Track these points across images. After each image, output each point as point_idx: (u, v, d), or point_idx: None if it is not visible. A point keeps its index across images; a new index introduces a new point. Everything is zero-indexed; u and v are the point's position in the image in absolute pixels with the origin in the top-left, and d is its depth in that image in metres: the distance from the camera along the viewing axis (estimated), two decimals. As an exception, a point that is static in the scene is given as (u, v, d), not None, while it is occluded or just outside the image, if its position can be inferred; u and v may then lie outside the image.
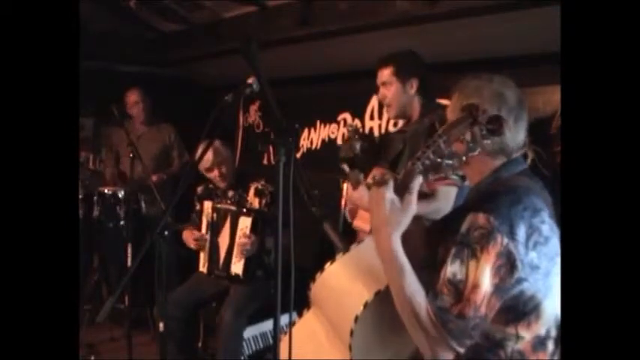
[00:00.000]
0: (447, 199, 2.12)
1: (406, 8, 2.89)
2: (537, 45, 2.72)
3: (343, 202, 2.48)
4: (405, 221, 1.38)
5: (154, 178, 3.92)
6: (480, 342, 1.37)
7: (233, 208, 3.03)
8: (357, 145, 2.45)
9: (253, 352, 3.07)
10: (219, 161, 3.13)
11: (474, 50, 3.06)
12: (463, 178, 2.07)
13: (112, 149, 4.29)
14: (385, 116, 3.64)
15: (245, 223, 2.93)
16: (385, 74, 2.44)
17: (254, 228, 2.91)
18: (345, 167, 2.38)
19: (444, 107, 2.61)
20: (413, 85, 2.41)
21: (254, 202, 3.14)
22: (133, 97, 4.24)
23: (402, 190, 1.38)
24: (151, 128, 4.30)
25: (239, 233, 2.94)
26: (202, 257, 3.18)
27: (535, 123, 2.76)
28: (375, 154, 2.59)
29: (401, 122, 2.69)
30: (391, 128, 3.56)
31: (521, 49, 2.89)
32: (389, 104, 2.47)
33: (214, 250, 3.10)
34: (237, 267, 2.94)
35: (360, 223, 2.39)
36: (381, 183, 1.39)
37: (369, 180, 2.30)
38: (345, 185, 2.37)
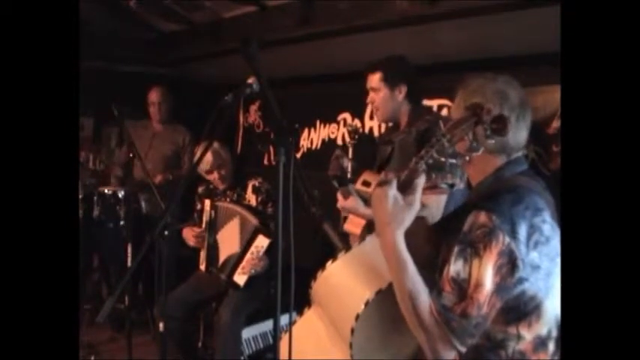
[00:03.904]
0: (437, 207, 2.14)
1: (406, 8, 2.89)
2: (537, 45, 2.72)
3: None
4: (409, 218, 1.38)
5: (159, 177, 3.91)
6: (481, 342, 1.37)
7: (254, 222, 2.94)
8: (345, 162, 2.50)
9: (253, 352, 3.07)
10: (219, 164, 3.14)
11: (474, 50, 3.06)
12: (452, 185, 2.10)
13: (125, 148, 4.22)
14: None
15: (262, 242, 2.90)
16: (374, 80, 2.47)
17: (268, 249, 2.89)
18: (335, 183, 2.42)
19: (434, 114, 2.64)
20: (401, 91, 2.43)
21: (251, 199, 3.16)
22: (154, 95, 4.22)
23: (405, 189, 1.38)
24: (167, 128, 4.28)
25: (252, 249, 2.92)
26: (202, 255, 3.18)
27: (535, 123, 2.77)
28: (368, 156, 2.62)
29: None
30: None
31: (521, 49, 2.89)
32: (377, 108, 2.51)
33: (213, 248, 3.11)
34: (240, 278, 2.94)
35: (351, 227, 2.41)
36: (384, 182, 1.39)
37: (358, 186, 2.33)
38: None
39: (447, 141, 1.32)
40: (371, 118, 3.85)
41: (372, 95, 2.50)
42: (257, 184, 3.18)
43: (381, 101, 2.46)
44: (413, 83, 2.45)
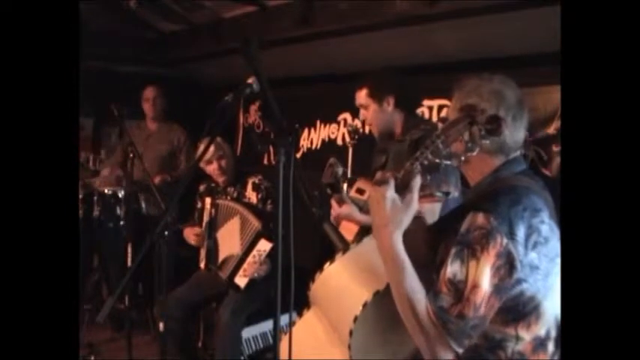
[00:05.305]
0: (432, 216, 2.15)
1: (406, 8, 2.89)
2: (537, 45, 2.72)
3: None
4: (407, 219, 1.38)
5: (157, 179, 3.90)
6: (480, 342, 1.37)
7: (256, 224, 2.92)
8: (339, 171, 2.50)
9: (253, 352, 3.07)
10: (220, 155, 3.14)
11: (474, 50, 3.07)
12: (447, 194, 2.11)
13: (124, 147, 4.21)
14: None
15: (264, 246, 2.89)
16: (361, 97, 2.48)
17: (270, 253, 2.89)
18: (328, 191, 2.43)
19: (427, 121, 2.64)
20: (390, 103, 2.43)
21: (252, 196, 3.17)
22: (150, 92, 4.22)
23: (402, 190, 1.38)
24: (162, 127, 4.27)
25: (254, 252, 2.91)
26: (202, 253, 3.20)
27: (535, 123, 2.78)
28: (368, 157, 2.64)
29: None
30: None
31: (521, 49, 2.89)
32: (370, 124, 2.52)
33: (212, 246, 3.11)
34: (241, 280, 2.94)
35: (344, 233, 2.42)
36: (381, 182, 1.39)
37: (353, 194, 2.33)
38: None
39: (441, 142, 1.32)
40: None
41: (362, 112, 2.52)
42: (257, 181, 3.19)
43: (372, 116, 2.47)
44: (400, 92, 2.45)
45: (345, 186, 2.51)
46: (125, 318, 3.34)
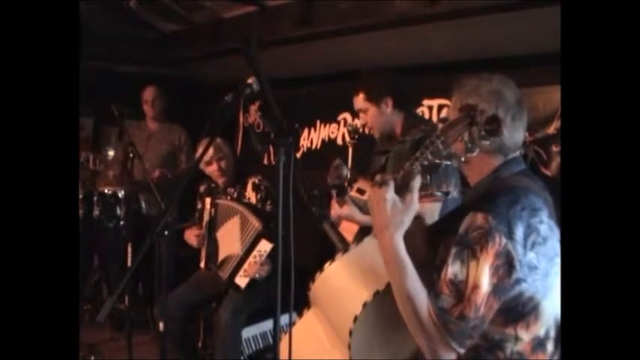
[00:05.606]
0: (432, 215, 2.15)
1: (406, 8, 2.89)
2: (537, 45, 2.72)
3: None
4: (408, 220, 1.38)
5: (157, 173, 3.89)
6: (479, 342, 1.37)
7: (256, 225, 2.91)
8: (344, 172, 2.50)
9: (253, 352, 3.07)
10: (219, 156, 3.15)
11: (474, 50, 3.07)
12: (447, 193, 2.11)
13: (124, 147, 4.20)
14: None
15: (265, 247, 2.89)
16: (359, 102, 2.48)
17: (271, 253, 2.88)
18: (333, 192, 2.43)
19: (427, 122, 2.64)
20: (388, 104, 2.42)
21: (251, 196, 3.17)
22: (149, 93, 4.21)
23: (402, 190, 1.38)
24: (162, 127, 4.27)
25: (255, 253, 2.91)
26: (202, 253, 3.20)
27: (535, 123, 2.78)
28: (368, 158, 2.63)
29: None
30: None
31: (521, 49, 2.89)
32: (371, 127, 2.51)
33: (212, 246, 3.12)
34: (241, 280, 2.94)
35: (344, 233, 2.42)
36: (381, 184, 1.39)
37: (353, 193, 2.33)
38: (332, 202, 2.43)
39: (440, 143, 1.32)
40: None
41: (362, 116, 2.51)
42: (257, 181, 3.19)
43: (372, 119, 2.47)
44: (398, 92, 2.44)
45: (345, 184, 2.51)
46: (125, 318, 3.34)
